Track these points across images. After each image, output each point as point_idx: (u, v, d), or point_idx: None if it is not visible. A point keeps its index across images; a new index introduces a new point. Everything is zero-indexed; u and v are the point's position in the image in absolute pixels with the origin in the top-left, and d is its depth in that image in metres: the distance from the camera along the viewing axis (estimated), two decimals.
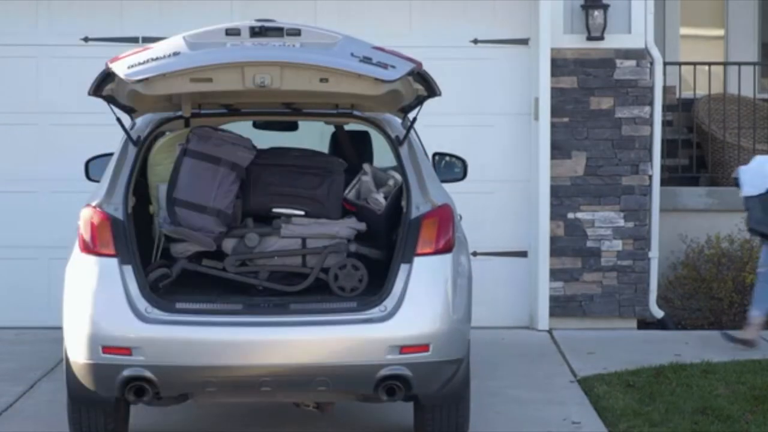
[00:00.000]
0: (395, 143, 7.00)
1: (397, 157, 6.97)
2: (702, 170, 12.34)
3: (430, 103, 7.00)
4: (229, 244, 6.97)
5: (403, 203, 6.85)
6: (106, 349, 6.39)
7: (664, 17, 13.43)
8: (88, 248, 6.57)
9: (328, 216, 7.05)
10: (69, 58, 10.65)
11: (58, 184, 10.56)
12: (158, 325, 6.40)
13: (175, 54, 6.22)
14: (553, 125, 10.80)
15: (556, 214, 10.86)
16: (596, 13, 10.75)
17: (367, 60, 6.22)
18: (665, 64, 11.50)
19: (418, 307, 6.51)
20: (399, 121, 7.32)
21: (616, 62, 10.86)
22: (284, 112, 7.27)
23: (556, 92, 10.79)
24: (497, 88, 10.96)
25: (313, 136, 8.83)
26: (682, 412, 7.81)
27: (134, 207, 6.76)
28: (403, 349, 6.44)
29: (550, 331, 10.75)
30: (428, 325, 6.50)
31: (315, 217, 7.04)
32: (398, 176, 7.01)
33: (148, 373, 6.37)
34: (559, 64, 10.79)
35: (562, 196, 10.87)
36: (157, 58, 6.20)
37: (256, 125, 8.03)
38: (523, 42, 10.93)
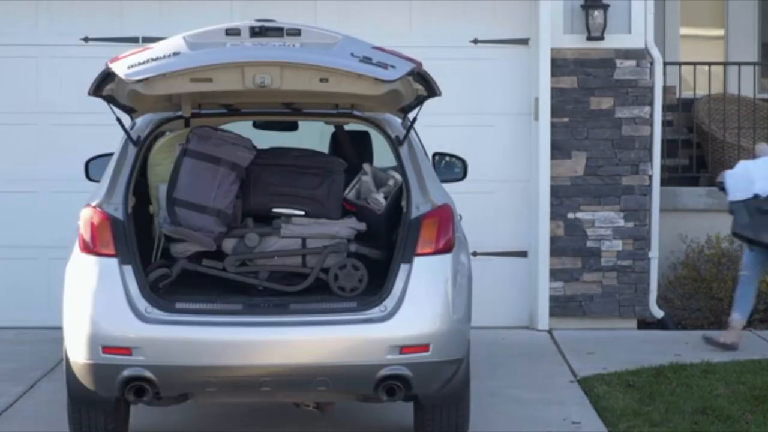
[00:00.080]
0: (395, 143, 7.00)
1: (397, 157, 6.97)
2: (702, 170, 12.34)
3: (430, 103, 7.00)
4: (229, 244, 6.97)
5: (403, 203, 6.85)
6: (106, 349, 6.39)
7: (664, 17, 13.43)
8: (88, 248, 6.57)
9: (328, 216, 7.05)
10: (69, 58, 10.66)
11: (58, 184, 10.56)
12: (158, 325, 6.40)
13: (175, 54, 6.22)
14: (553, 125, 10.80)
15: (556, 214, 10.86)
16: (596, 13, 10.75)
17: (367, 60, 6.22)
18: (665, 64, 11.50)
19: (418, 307, 6.51)
20: (399, 121, 7.32)
21: (616, 62, 10.86)
22: (284, 112, 7.27)
23: (556, 92, 10.79)
24: (497, 88, 10.96)
25: (313, 136, 8.83)
26: (682, 412, 7.81)
27: (134, 207, 6.76)
28: (403, 349, 6.44)
29: (550, 331, 10.76)
30: (428, 325, 6.50)
31: (315, 217, 7.04)
32: (398, 176, 7.01)
33: (148, 373, 6.37)
34: (559, 64, 10.80)
35: (562, 196, 10.87)
36: (157, 58, 6.20)
37: (256, 125, 8.03)
38: (523, 42, 10.93)
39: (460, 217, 7.23)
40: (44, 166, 10.75)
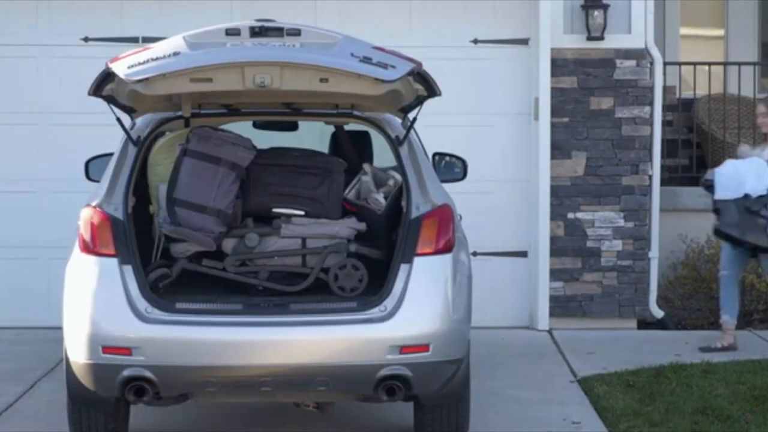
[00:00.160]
0: (395, 143, 7.00)
1: (397, 157, 6.97)
2: (702, 170, 12.29)
3: (430, 103, 7.00)
4: (229, 244, 6.97)
5: (403, 203, 6.85)
6: (106, 349, 6.39)
7: (664, 17, 13.42)
8: (88, 248, 6.57)
9: (328, 216, 7.05)
10: (69, 58, 10.65)
11: (58, 184, 10.56)
12: (158, 325, 6.40)
13: (175, 54, 6.22)
14: (553, 125, 10.80)
15: (556, 214, 10.86)
16: (596, 13, 10.75)
17: (367, 60, 6.22)
18: (665, 64, 11.50)
19: (418, 307, 6.51)
20: (399, 121, 7.32)
21: (616, 62, 10.86)
22: (284, 112, 7.27)
23: (556, 92, 10.79)
24: (497, 88, 10.96)
25: (313, 136, 8.83)
26: (682, 412, 7.81)
27: (134, 207, 6.76)
28: (403, 349, 6.44)
29: (550, 331, 10.76)
30: (428, 325, 6.50)
31: (315, 217, 7.04)
32: (398, 176, 7.01)
33: (148, 373, 6.37)
34: (559, 64, 10.80)
35: (562, 196, 10.87)
36: (157, 58, 6.20)
37: (256, 125, 8.03)
38: (523, 42, 10.93)
39: (460, 217, 7.23)
40: (44, 166, 10.75)
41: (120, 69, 6.20)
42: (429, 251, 6.61)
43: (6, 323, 10.63)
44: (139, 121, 7.21)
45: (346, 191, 7.10)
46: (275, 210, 7.07)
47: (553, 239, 10.86)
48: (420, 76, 6.48)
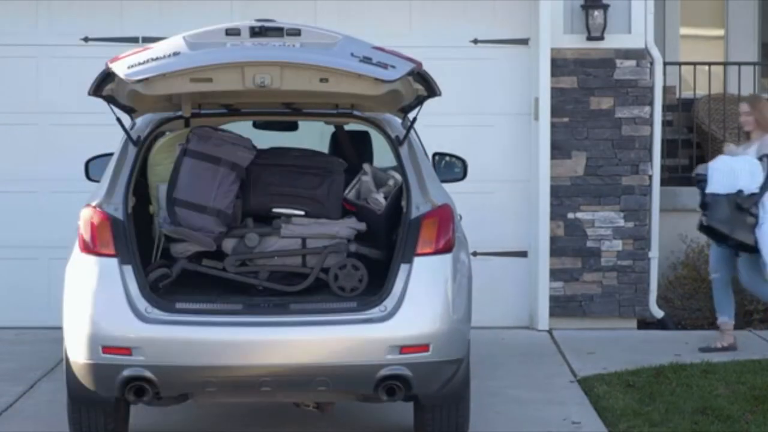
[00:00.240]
0: (395, 143, 7.00)
1: (397, 157, 6.97)
2: None
3: (430, 103, 7.00)
4: (229, 244, 6.97)
5: (403, 203, 6.85)
6: (106, 349, 6.39)
7: (664, 17, 13.42)
8: (88, 248, 6.57)
9: (328, 216, 7.05)
10: (69, 58, 10.65)
11: (58, 184, 10.56)
12: (158, 325, 6.40)
13: (175, 54, 6.22)
14: (553, 125, 10.80)
15: (556, 214, 10.86)
16: (596, 13, 10.75)
17: (367, 60, 6.22)
18: (665, 64, 11.50)
19: (418, 307, 6.50)
20: (399, 121, 7.32)
21: (616, 62, 10.86)
22: (284, 112, 7.27)
23: (556, 92, 10.79)
24: (497, 88, 10.96)
25: (313, 136, 8.83)
26: (682, 412, 7.81)
27: (134, 207, 6.76)
28: (403, 349, 6.44)
29: (550, 331, 10.75)
30: (428, 325, 6.50)
31: (315, 217, 7.04)
32: (398, 176, 7.01)
33: (148, 373, 6.37)
34: (559, 64, 10.80)
35: (562, 196, 10.87)
36: (157, 58, 6.20)
37: (256, 125, 8.03)
38: (523, 42, 10.93)
39: (460, 217, 7.23)
40: (44, 166, 10.75)
41: (120, 69, 6.20)
42: (429, 251, 6.61)
43: (6, 323, 10.63)
44: (139, 121, 7.21)
45: (346, 191, 7.10)
46: (275, 210, 7.07)
47: (553, 239, 10.86)
48: (420, 76, 6.48)
